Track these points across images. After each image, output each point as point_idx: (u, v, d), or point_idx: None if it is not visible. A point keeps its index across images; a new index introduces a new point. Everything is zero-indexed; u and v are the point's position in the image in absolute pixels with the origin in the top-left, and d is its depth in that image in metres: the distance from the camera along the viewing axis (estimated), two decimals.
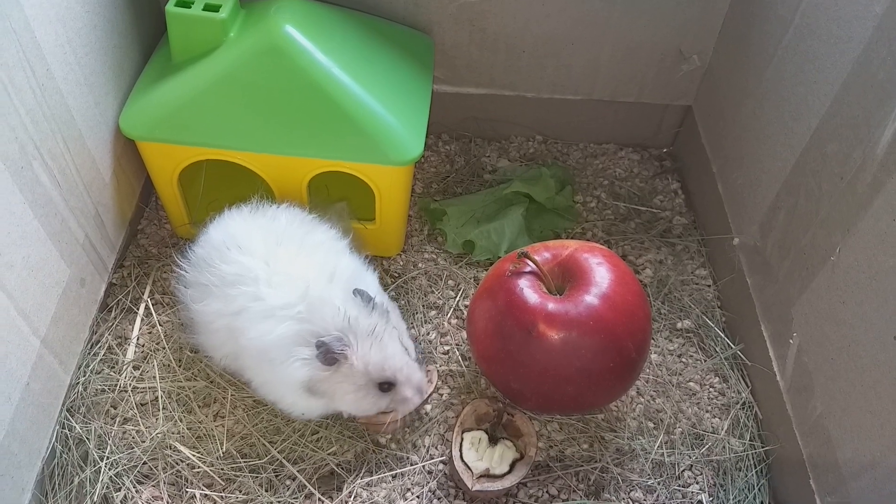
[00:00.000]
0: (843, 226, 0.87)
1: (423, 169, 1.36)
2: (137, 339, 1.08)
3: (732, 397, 1.07)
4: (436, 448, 1.00)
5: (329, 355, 0.84)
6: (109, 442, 0.97)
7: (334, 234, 1.00)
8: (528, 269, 0.94)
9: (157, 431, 0.98)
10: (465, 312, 1.13)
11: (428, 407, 1.04)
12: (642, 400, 1.06)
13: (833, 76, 0.91)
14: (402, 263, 1.21)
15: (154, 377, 1.03)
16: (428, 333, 1.12)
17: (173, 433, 0.98)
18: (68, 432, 0.96)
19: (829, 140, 0.91)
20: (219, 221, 0.98)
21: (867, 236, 0.82)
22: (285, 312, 0.87)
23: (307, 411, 0.95)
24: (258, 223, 0.96)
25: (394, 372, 0.88)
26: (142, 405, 1.01)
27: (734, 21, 1.19)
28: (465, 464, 0.93)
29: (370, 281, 0.97)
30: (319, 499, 0.94)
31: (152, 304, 1.12)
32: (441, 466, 0.98)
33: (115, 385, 1.02)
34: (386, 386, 0.89)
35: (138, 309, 1.11)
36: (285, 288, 0.88)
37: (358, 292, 0.89)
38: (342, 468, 0.97)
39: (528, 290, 0.91)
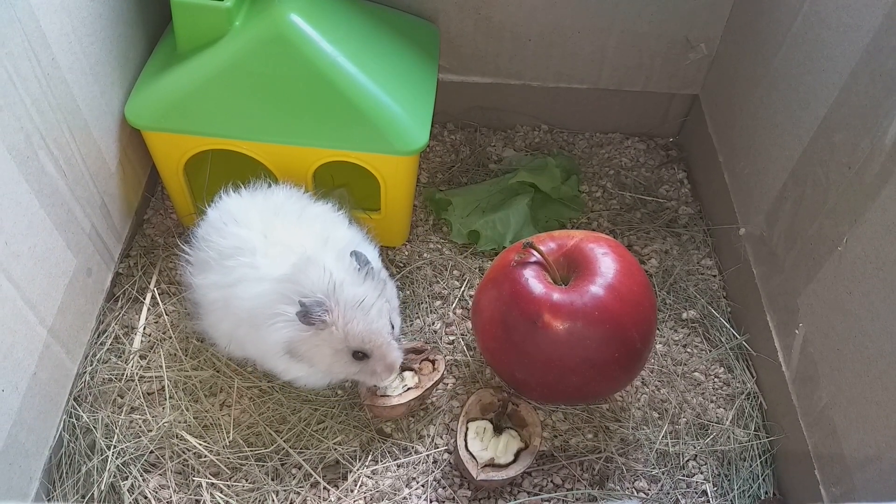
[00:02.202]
0: (851, 216, 0.86)
1: (428, 159, 1.36)
2: (144, 328, 1.08)
3: (737, 387, 1.07)
4: (441, 437, 1.01)
5: (307, 318, 0.85)
6: (116, 431, 0.97)
7: (332, 208, 1.00)
8: (533, 259, 0.94)
9: (163, 420, 0.98)
10: (471, 302, 1.13)
11: (434, 397, 1.04)
12: (647, 390, 1.06)
13: (842, 65, 0.90)
14: (407, 253, 1.21)
15: (160, 366, 1.04)
16: (433, 323, 1.12)
17: (180, 422, 0.99)
18: (75, 421, 0.97)
19: (836, 129, 0.91)
20: (216, 203, 0.99)
21: (874, 226, 0.82)
22: (275, 275, 0.88)
23: (307, 381, 0.96)
24: (255, 200, 0.98)
25: (372, 346, 0.89)
26: (148, 394, 1.02)
27: (742, 9, 1.18)
28: (470, 453, 0.93)
29: (369, 252, 0.97)
30: (325, 487, 0.95)
31: (158, 294, 1.12)
32: (446, 455, 0.99)
33: (122, 374, 1.03)
34: (360, 355, 0.89)
35: (144, 298, 1.11)
36: (281, 257, 0.89)
37: (355, 254, 0.90)
38: (347, 457, 0.97)
39: (534, 281, 0.91)
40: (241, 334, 0.93)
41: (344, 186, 1.15)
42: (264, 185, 1.00)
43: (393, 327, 0.92)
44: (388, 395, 0.97)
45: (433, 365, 1.01)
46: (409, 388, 0.98)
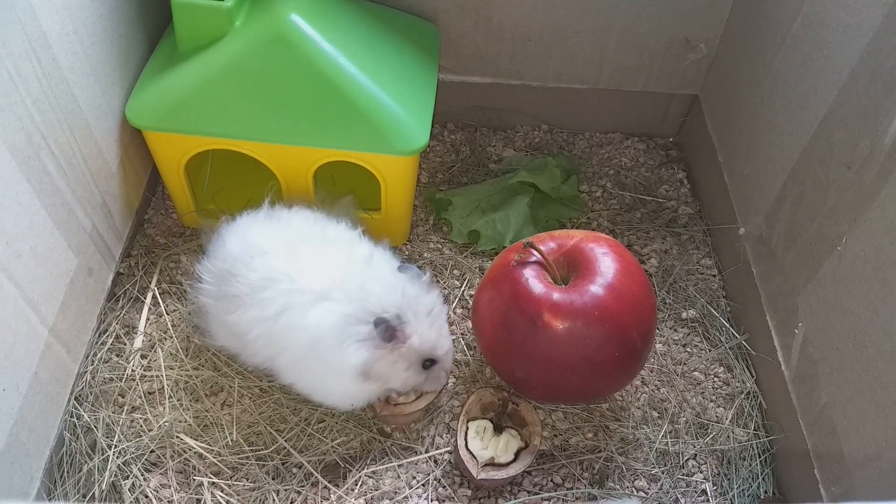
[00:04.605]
0: (850, 215, 0.86)
1: (428, 158, 1.36)
2: (144, 328, 1.08)
3: (737, 387, 1.07)
4: (441, 437, 1.01)
5: (389, 332, 0.85)
6: (117, 430, 0.97)
7: (349, 226, 1.00)
8: (533, 258, 0.94)
9: (164, 420, 0.98)
10: (471, 302, 1.13)
11: (444, 398, 1.04)
12: (647, 389, 1.07)
13: (841, 65, 0.90)
14: (407, 253, 1.21)
15: (161, 366, 1.04)
16: None
17: (180, 422, 0.99)
18: (76, 421, 0.97)
19: (836, 129, 0.91)
20: (234, 233, 0.96)
21: (874, 226, 0.82)
22: (336, 294, 0.87)
23: (356, 400, 0.95)
24: (274, 227, 0.96)
25: (443, 351, 0.90)
26: (149, 394, 1.02)
27: (742, 9, 1.19)
28: (471, 452, 0.93)
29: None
30: (325, 487, 0.95)
31: (159, 294, 1.12)
32: (446, 455, 0.99)
33: (123, 374, 1.03)
34: (428, 363, 0.91)
35: (145, 298, 1.11)
36: (323, 275, 0.88)
37: (405, 268, 0.91)
38: (348, 457, 0.97)
39: (534, 280, 0.91)
40: (283, 362, 0.92)
41: (350, 194, 1.14)
42: (278, 210, 0.99)
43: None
44: (402, 404, 0.96)
45: None
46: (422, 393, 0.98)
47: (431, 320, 0.89)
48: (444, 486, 0.96)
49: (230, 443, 0.97)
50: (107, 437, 0.96)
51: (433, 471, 0.97)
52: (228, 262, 0.93)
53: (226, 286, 0.92)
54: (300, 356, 0.90)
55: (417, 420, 1.01)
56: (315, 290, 0.88)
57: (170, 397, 1.01)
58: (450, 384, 1.06)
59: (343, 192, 1.13)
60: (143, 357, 1.05)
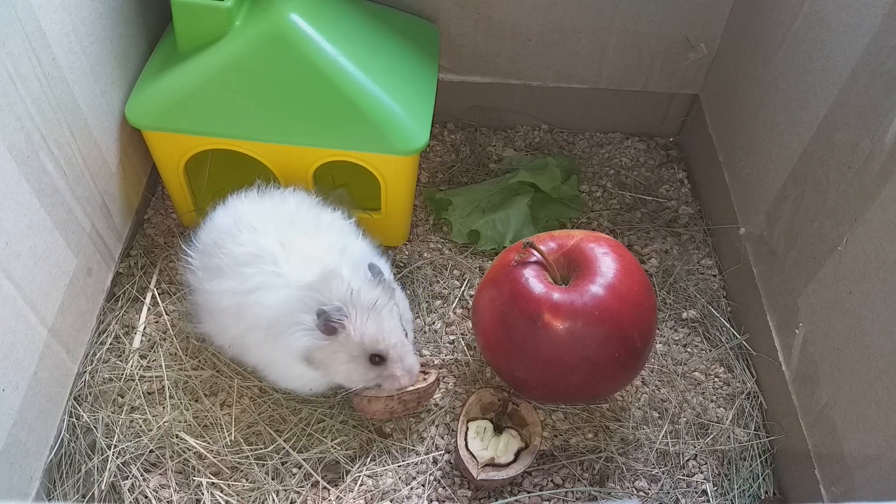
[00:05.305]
0: (851, 215, 0.86)
1: (428, 158, 1.36)
2: (144, 328, 1.08)
3: (737, 387, 1.07)
4: (441, 437, 1.01)
5: (328, 324, 0.86)
6: (117, 430, 0.97)
7: (344, 216, 1.01)
8: (533, 258, 0.94)
9: (163, 420, 0.98)
10: (471, 302, 1.13)
11: (438, 398, 1.04)
12: (647, 390, 1.06)
13: (841, 64, 0.90)
14: (407, 253, 1.21)
15: (161, 366, 1.04)
16: (433, 323, 1.12)
17: (180, 422, 0.99)
18: (76, 421, 0.97)
19: (836, 129, 0.91)
20: (224, 207, 0.99)
21: (874, 226, 0.82)
22: (298, 284, 0.89)
23: (313, 385, 0.96)
24: (267, 206, 0.98)
25: (386, 347, 0.90)
26: (149, 394, 1.02)
27: (742, 9, 1.18)
28: (471, 452, 0.93)
29: (381, 264, 0.97)
30: (325, 487, 0.95)
31: (158, 294, 1.12)
32: (446, 455, 0.99)
33: (122, 374, 1.03)
34: (377, 359, 0.90)
35: (145, 298, 1.11)
36: (304, 266, 0.90)
37: (372, 267, 0.91)
38: (347, 457, 0.97)
39: (534, 280, 0.91)
40: (249, 340, 0.94)
41: (343, 186, 1.15)
42: (273, 189, 1.00)
43: (406, 334, 0.93)
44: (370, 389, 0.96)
45: (424, 376, 0.99)
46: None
47: (372, 314, 0.88)
48: (444, 487, 0.96)
49: (229, 443, 0.97)
50: (106, 438, 0.96)
51: (433, 471, 0.97)
52: (215, 233, 0.95)
53: (210, 257, 0.94)
54: (262, 337, 0.92)
55: (382, 417, 0.99)
56: (290, 276, 0.90)
57: (169, 397, 1.01)
58: (450, 384, 1.06)
59: (337, 187, 1.13)
60: (142, 357, 1.05)
